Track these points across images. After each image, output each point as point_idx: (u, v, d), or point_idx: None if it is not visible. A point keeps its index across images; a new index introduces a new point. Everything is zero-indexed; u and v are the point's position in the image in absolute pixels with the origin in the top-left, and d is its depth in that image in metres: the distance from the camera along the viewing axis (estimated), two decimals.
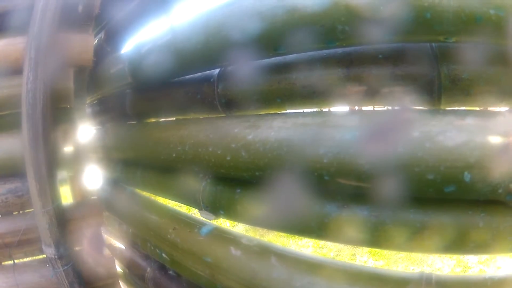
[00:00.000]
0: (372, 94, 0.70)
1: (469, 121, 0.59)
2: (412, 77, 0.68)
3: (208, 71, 0.84)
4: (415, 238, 0.63)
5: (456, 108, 0.68)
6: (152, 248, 1.00)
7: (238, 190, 0.73)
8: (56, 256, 1.00)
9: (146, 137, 0.97)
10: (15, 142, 1.07)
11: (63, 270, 1.01)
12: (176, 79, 0.91)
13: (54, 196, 1.00)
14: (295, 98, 0.73)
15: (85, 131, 1.29)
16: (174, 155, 0.81)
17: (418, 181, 0.58)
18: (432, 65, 0.68)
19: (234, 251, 0.71)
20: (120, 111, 1.16)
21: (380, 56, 0.70)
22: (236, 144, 0.68)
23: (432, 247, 0.63)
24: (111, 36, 1.15)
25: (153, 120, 1.07)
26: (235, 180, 0.75)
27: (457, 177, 0.56)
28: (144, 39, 0.98)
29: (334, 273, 0.66)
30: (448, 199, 0.62)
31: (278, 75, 0.74)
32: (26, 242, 1.10)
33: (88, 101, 1.28)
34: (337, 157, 0.59)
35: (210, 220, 0.82)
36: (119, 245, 1.28)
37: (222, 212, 0.77)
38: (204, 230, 0.79)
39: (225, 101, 0.79)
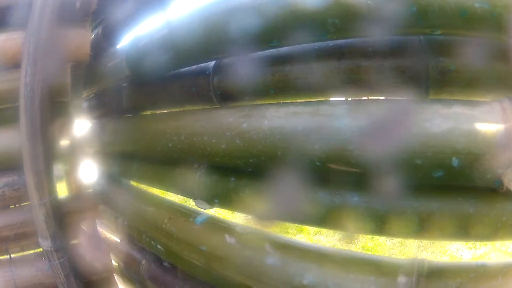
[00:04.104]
0: (362, 86, 0.73)
1: (456, 109, 0.61)
2: (401, 69, 0.70)
3: (203, 64, 0.86)
4: (409, 225, 0.65)
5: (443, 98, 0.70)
6: (148, 240, 1.01)
7: (233, 179, 0.75)
8: (52, 249, 1.01)
9: (143, 129, 0.98)
10: (12, 136, 1.08)
11: (59, 263, 1.02)
12: (172, 72, 0.93)
13: (51, 189, 1.01)
14: (288, 89, 0.75)
15: (82, 125, 1.31)
16: (170, 145, 0.82)
17: (408, 167, 0.59)
18: (420, 58, 0.70)
19: (229, 239, 0.71)
20: (116, 105, 1.17)
21: (369, 49, 0.72)
22: (230, 132, 0.69)
23: (425, 234, 0.65)
24: (108, 31, 1.16)
25: (149, 112, 1.09)
26: (230, 169, 0.76)
27: (445, 163, 0.57)
28: (141, 33, 1.00)
29: (327, 259, 0.67)
30: (440, 185, 0.63)
31: (272, 68, 0.76)
32: (22, 236, 1.10)
33: (84, 95, 1.29)
34: (328, 144, 0.60)
35: (204, 209, 0.83)
36: (115, 238, 1.28)
37: (216, 201, 0.78)
38: (199, 219, 0.80)
39: (220, 93, 0.82)
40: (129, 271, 1.14)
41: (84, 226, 1.14)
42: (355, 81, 0.72)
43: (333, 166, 0.60)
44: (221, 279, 0.76)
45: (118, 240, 1.26)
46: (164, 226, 0.86)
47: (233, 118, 0.70)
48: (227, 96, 0.82)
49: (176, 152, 0.83)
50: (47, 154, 1.00)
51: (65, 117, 1.10)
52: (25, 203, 1.14)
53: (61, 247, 1.02)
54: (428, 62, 0.69)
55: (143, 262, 1.08)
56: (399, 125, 0.58)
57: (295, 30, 0.69)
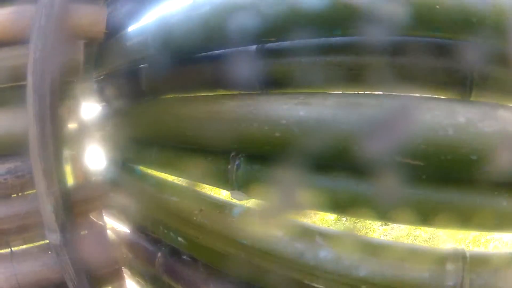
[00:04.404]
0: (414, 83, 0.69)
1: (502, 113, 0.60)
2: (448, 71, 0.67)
3: (243, 47, 0.79)
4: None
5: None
6: (166, 231, 0.94)
7: (275, 168, 0.71)
8: (61, 242, 0.93)
9: (167, 113, 0.91)
10: (16, 118, 0.98)
11: (69, 258, 0.94)
12: (207, 53, 0.86)
13: (60, 177, 0.92)
14: (337, 79, 0.70)
15: (90, 108, 1.21)
16: (204, 132, 0.76)
17: (463, 162, 0.59)
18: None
19: (276, 232, 0.67)
20: (132, 87, 1.09)
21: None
22: (287, 120, 0.65)
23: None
24: (128, 8, 1.07)
25: (171, 96, 1.01)
26: (271, 159, 0.72)
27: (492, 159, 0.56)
28: (173, 9, 0.91)
29: (380, 250, 0.65)
30: (483, 180, 0.61)
31: (321, 56, 0.71)
32: (25, 228, 1.01)
33: (94, 76, 1.20)
34: (399, 138, 0.58)
35: (240, 200, 0.78)
36: (123, 229, 1.20)
37: (257, 192, 0.74)
38: (237, 211, 0.75)
39: (264, 78, 0.76)
40: (141, 263, 1.07)
41: (93, 216, 1.06)
42: (407, 77, 0.68)
43: (407, 160, 0.57)
44: (259, 273, 0.72)
45: (128, 231, 1.18)
46: (194, 218, 0.80)
47: (288, 105, 0.67)
48: (271, 82, 0.76)
49: (209, 139, 0.77)
50: (57, 138, 0.91)
51: (73, 99, 1.01)
52: (28, 192, 1.05)
53: (71, 240, 0.94)
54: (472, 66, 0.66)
55: (159, 255, 1.01)
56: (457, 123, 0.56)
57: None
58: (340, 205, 0.71)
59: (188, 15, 0.80)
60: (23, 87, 0.98)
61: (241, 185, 0.76)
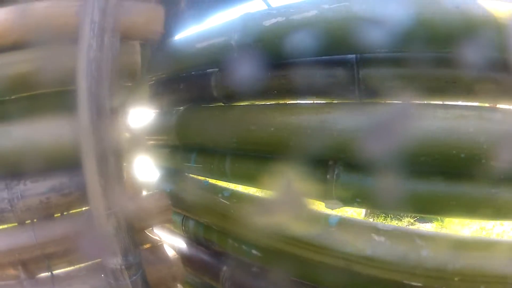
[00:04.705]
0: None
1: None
2: None
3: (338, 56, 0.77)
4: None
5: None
6: (236, 245, 0.90)
7: (375, 176, 0.71)
8: (123, 267, 0.82)
9: (254, 121, 0.82)
10: (60, 127, 0.86)
11: (131, 282, 0.84)
12: (304, 59, 0.80)
13: (122, 194, 0.82)
14: (433, 91, 0.72)
15: (144, 115, 1.09)
16: (305, 141, 0.71)
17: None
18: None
19: (377, 238, 0.68)
20: (199, 92, 0.99)
21: None
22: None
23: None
24: (196, 7, 0.97)
25: (254, 103, 0.93)
26: (369, 166, 0.71)
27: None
28: (267, 11, 0.81)
29: (468, 245, 0.68)
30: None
31: (418, 68, 0.71)
32: (71, 250, 0.90)
33: (149, 81, 1.08)
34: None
35: (333, 209, 0.77)
36: (179, 243, 1.10)
37: (358, 200, 0.73)
38: (333, 220, 0.73)
39: (365, 87, 0.75)
40: (202, 278, 0.99)
41: (153, 232, 0.96)
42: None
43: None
44: (351, 281, 0.73)
45: (184, 245, 1.09)
46: (284, 230, 0.76)
47: (398, 116, 0.68)
48: (372, 92, 0.75)
49: (305, 148, 0.73)
50: (117, 151, 0.81)
51: (129, 105, 0.90)
52: (75, 210, 0.93)
53: (134, 262, 0.83)
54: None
55: (224, 268, 0.94)
56: None
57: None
58: (434, 207, 0.73)
59: (295, 18, 0.73)
60: (67, 92, 0.86)
61: (340, 194, 0.74)
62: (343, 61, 0.77)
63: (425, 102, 0.74)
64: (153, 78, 1.08)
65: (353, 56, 0.76)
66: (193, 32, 0.98)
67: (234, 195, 0.93)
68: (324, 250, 0.71)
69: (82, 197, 0.88)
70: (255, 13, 0.82)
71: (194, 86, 1.02)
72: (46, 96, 0.86)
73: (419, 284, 0.66)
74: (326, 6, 0.70)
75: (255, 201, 0.90)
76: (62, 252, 0.88)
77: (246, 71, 0.81)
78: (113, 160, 0.79)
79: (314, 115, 0.74)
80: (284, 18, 0.74)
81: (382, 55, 0.73)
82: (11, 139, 0.85)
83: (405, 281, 0.67)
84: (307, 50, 0.74)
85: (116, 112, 0.81)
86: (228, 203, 0.91)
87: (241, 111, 0.90)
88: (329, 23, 0.69)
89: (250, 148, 0.85)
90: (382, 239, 0.67)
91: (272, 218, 0.79)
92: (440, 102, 0.75)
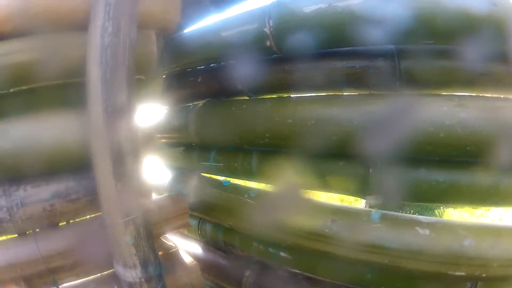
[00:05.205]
0: None
1: None
2: None
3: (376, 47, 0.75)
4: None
5: None
6: (262, 247, 0.85)
7: (423, 170, 0.72)
8: (142, 279, 0.73)
9: (290, 114, 0.75)
10: (66, 124, 0.76)
11: None
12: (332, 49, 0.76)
13: (141, 199, 0.72)
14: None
15: (156, 110, 1.00)
16: (353, 134, 0.68)
17: None
18: None
19: (422, 231, 0.68)
20: (221, 85, 0.91)
21: None
22: (450, 121, 0.66)
23: None
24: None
25: (281, 95, 0.86)
26: (416, 160, 0.73)
27: None
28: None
29: (503, 232, 0.69)
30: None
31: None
32: (80, 262, 0.80)
33: (163, 74, 0.98)
34: None
35: (374, 205, 0.76)
36: (195, 248, 1.01)
37: (397, 194, 0.74)
38: (375, 216, 0.71)
39: (407, 78, 0.74)
40: (221, 285, 0.92)
41: (163, 238, 0.87)
42: None
43: None
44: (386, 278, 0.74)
45: (201, 250, 1.00)
46: (326, 230, 0.72)
47: (447, 107, 0.68)
48: (412, 83, 0.75)
49: (347, 143, 0.70)
50: (136, 151, 0.71)
51: (144, 100, 0.81)
52: (81, 218, 0.83)
53: (155, 274, 0.74)
54: None
55: (247, 273, 0.87)
56: None
57: None
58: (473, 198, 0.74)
59: (339, 5, 0.69)
60: (72, 85, 0.76)
61: (381, 190, 0.74)
62: (382, 52, 0.75)
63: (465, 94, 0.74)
64: (166, 72, 0.99)
65: (392, 47, 0.75)
66: (214, 20, 0.90)
67: (260, 194, 0.86)
68: (367, 247, 0.70)
69: (91, 203, 0.79)
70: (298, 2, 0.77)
71: (214, 79, 0.94)
72: (49, 89, 0.76)
73: (462, 274, 0.67)
74: None
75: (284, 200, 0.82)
76: (69, 265, 0.78)
77: (280, 60, 0.75)
78: (130, 160, 0.70)
79: (358, 106, 0.71)
80: (326, 5, 0.70)
81: (421, 47, 0.71)
82: (9, 138, 0.75)
83: (449, 272, 0.67)
84: (348, 40, 0.72)
85: (133, 106, 0.71)
86: (255, 203, 0.83)
87: (275, 104, 0.82)
88: (374, 12, 0.67)
89: (285, 144, 0.78)
90: (427, 232, 0.67)
91: (306, 218, 0.75)
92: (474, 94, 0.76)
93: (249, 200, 0.83)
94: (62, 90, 0.76)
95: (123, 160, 0.69)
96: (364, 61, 0.75)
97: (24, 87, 0.77)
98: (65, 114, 0.76)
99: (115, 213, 0.71)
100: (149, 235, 0.74)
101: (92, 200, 0.77)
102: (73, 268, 0.80)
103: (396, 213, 0.74)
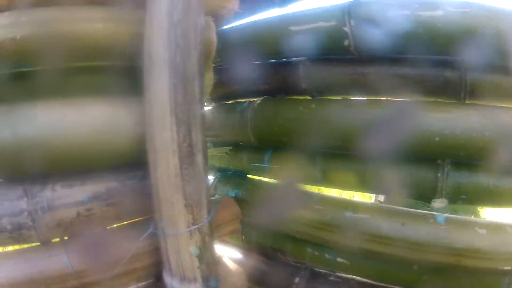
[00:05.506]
0: None
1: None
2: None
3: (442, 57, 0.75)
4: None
5: None
6: (316, 253, 0.83)
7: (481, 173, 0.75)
8: None
9: (357, 117, 0.75)
10: (111, 112, 0.63)
11: None
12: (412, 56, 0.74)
13: (209, 206, 0.63)
14: None
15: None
16: (424, 139, 0.70)
17: None
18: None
19: (480, 231, 0.72)
20: (282, 83, 0.84)
21: None
22: None
23: None
24: None
25: (346, 97, 0.82)
26: (474, 164, 0.75)
27: None
28: (392, 2, 0.71)
29: None
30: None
31: None
32: (120, 276, 0.68)
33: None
34: None
35: (440, 208, 0.77)
36: (236, 254, 0.93)
37: (464, 197, 0.77)
38: (441, 218, 0.75)
39: (471, 89, 0.76)
40: None
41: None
42: None
43: None
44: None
45: (245, 258, 0.92)
46: (398, 233, 0.74)
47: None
48: (475, 94, 0.76)
49: (420, 147, 0.72)
50: (204, 148, 0.61)
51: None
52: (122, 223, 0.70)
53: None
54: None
55: (296, 280, 0.83)
56: None
57: None
58: None
59: (429, 18, 0.68)
60: (116, 68, 0.63)
61: (448, 192, 0.76)
62: (450, 63, 0.76)
63: None
64: (217, 64, 0.88)
65: (459, 59, 0.75)
66: (277, 14, 0.83)
67: (324, 200, 0.80)
68: (433, 248, 0.72)
69: (138, 207, 0.67)
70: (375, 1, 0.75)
71: (274, 75, 0.87)
72: (89, 69, 0.62)
73: (509, 268, 0.72)
74: (451, 9, 0.68)
75: (350, 205, 0.78)
76: (108, 281, 0.66)
77: (353, 61, 0.71)
78: (200, 159, 0.60)
79: (432, 113, 0.72)
80: (409, 12, 0.70)
81: (483, 61, 0.71)
82: (35, 126, 0.60)
83: (499, 267, 0.71)
84: (421, 48, 0.71)
85: (203, 96, 0.61)
86: (322, 208, 0.78)
87: (349, 106, 0.78)
88: (454, 25, 0.68)
89: (354, 147, 0.74)
90: (484, 231, 0.72)
91: (376, 222, 0.75)
92: None
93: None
94: (97, 74, 0.63)
95: (194, 158, 0.59)
96: (432, 69, 0.76)
97: (53, 67, 0.62)
98: (107, 100, 0.63)
99: (178, 221, 0.60)
100: (213, 245, 0.65)
101: (139, 204, 0.66)
102: (112, 285, 0.68)
103: (455, 216, 0.78)
